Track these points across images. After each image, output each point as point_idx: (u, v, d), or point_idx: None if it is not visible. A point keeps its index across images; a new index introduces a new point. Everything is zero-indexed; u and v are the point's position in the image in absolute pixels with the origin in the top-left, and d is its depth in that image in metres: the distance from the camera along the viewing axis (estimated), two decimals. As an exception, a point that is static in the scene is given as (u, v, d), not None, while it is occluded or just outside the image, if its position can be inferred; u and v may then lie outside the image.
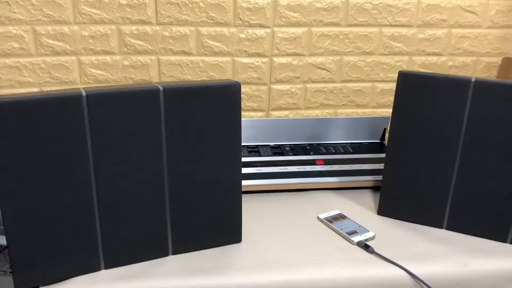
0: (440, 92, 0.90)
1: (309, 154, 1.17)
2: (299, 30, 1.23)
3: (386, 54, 1.29)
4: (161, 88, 0.76)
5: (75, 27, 1.15)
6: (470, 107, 0.89)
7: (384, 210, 1.00)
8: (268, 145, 1.22)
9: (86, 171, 0.75)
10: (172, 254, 0.85)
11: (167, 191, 0.81)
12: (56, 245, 0.76)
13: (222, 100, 0.80)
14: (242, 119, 1.19)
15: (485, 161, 0.90)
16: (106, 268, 0.81)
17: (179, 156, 0.80)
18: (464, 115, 0.90)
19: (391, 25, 1.26)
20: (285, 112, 1.30)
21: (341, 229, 0.94)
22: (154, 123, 0.77)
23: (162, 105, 0.77)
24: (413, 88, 0.92)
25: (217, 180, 0.84)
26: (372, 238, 0.92)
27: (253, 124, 1.20)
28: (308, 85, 1.29)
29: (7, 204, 0.71)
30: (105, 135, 0.75)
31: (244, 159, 1.14)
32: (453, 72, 1.32)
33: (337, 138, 1.25)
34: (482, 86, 0.88)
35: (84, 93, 0.72)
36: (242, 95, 1.27)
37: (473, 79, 0.88)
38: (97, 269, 0.80)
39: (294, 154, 1.17)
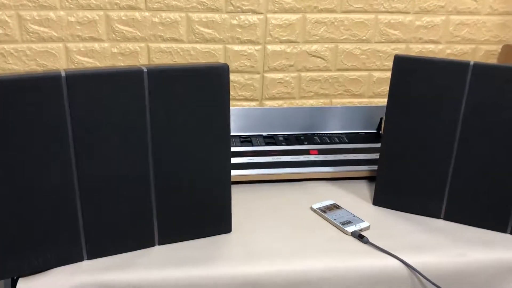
0: (437, 77, 0.87)
1: (303, 144, 1.14)
2: (293, 17, 1.20)
3: (382, 42, 1.25)
4: (145, 69, 0.73)
5: (62, 13, 1.11)
6: (469, 92, 0.86)
7: (379, 200, 0.97)
8: (261, 135, 1.19)
9: (66, 155, 0.71)
10: (159, 245, 0.82)
11: (152, 177, 0.78)
12: (34, 233, 0.72)
13: (210, 82, 0.77)
14: (234, 108, 1.16)
15: (484, 148, 0.87)
16: (88, 258, 0.78)
17: (164, 140, 0.77)
18: (462, 100, 0.87)
19: (387, 12, 1.23)
20: (279, 102, 1.27)
21: (335, 219, 0.90)
22: (138, 106, 0.74)
23: (146, 87, 0.73)
24: (409, 73, 0.89)
25: (205, 166, 0.80)
26: (367, 228, 0.88)
27: (245, 113, 1.16)
28: (303, 74, 1.25)
29: (-18, 190, 0.68)
30: (86, 117, 0.71)
31: (235, 149, 1.10)
32: (451, 61, 1.29)
33: (332, 128, 1.22)
34: (481, 69, 0.84)
35: (63, 74, 0.68)
36: (234, 84, 1.23)
37: (471, 63, 0.85)
38: (79, 259, 0.77)
39: (288, 144, 1.14)
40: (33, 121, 0.68)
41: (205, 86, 0.77)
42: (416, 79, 0.88)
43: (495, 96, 0.84)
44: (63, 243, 0.75)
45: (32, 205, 0.71)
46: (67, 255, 0.76)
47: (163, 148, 0.77)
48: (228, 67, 0.77)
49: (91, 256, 0.78)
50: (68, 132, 0.71)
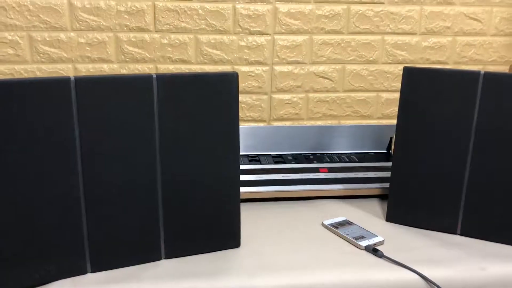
0: (447, 87, 0.86)
1: (313, 163, 1.12)
2: (300, 38, 1.21)
3: (389, 63, 1.26)
4: (154, 76, 0.73)
5: (72, 34, 1.13)
6: (480, 101, 0.85)
7: (393, 216, 0.94)
8: (270, 154, 1.17)
9: (72, 163, 0.70)
10: (165, 258, 0.79)
11: (159, 187, 0.76)
12: (37, 245, 0.70)
13: (219, 90, 0.76)
14: (242, 126, 1.15)
15: (499, 159, 0.85)
16: (92, 271, 0.75)
17: (172, 148, 0.75)
18: (474, 110, 0.85)
19: (394, 33, 1.24)
20: (287, 123, 1.26)
21: (347, 234, 0.87)
22: (146, 113, 0.73)
23: (155, 94, 0.73)
24: (419, 84, 0.88)
25: (213, 177, 0.79)
26: (381, 243, 0.85)
27: (253, 132, 1.15)
28: (310, 95, 1.25)
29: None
30: (94, 124, 0.70)
31: (244, 167, 1.08)
32: (459, 82, 1.29)
33: (341, 148, 1.20)
34: (491, 79, 0.83)
35: (72, 78, 0.68)
36: (242, 105, 1.23)
37: (482, 72, 0.84)
38: (83, 272, 0.74)
39: (297, 163, 1.12)
40: (40, 126, 0.67)
41: (214, 94, 0.76)
42: (426, 90, 0.87)
43: (507, 105, 0.83)
44: (66, 255, 0.72)
45: (35, 215, 0.69)
46: (70, 268, 0.73)
47: (171, 156, 0.76)
48: (237, 74, 0.77)
49: (95, 269, 0.75)
50: (76, 138, 0.69)
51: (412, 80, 0.88)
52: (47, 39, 1.12)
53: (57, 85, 0.67)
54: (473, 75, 0.85)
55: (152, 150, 0.74)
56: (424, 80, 0.87)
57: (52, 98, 0.67)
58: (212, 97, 0.76)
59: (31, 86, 0.66)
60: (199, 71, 1.20)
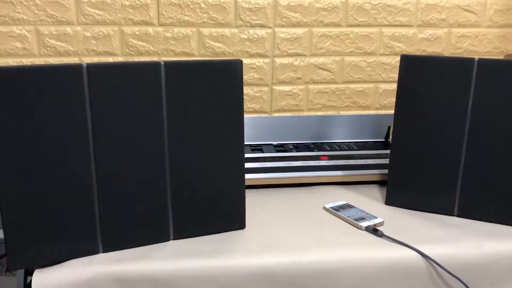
0: (444, 74, 0.89)
1: (313, 151, 1.15)
2: (300, 30, 1.24)
3: (387, 54, 1.29)
4: (162, 63, 0.76)
5: (78, 28, 1.16)
6: (475, 87, 0.88)
7: (392, 199, 0.97)
8: (271, 143, 1.20)
9: (85, 148, 0.73)
10: (174, 239, 0.82)
11: (168, 171, 0.79)
12: (52, 226, 0.73)
13: (224, 77, 0.79)
14: (244, 116, 1.18)
15: (494, 143, 0.88)
16: (104, 251, 0.78)
17: (180, 134, 0.78)
18: (469, 96, 0.89)
19: (391, 25, 1.27)
20: (288, 114, 1.29)
21: (348, 216, 0.90)
22: (155, 99, 0.76)
23: (163, 80, 0.76)
24: (416, 71, 0.91)
25: (219, 161, 0.82)
26: (381, 224, 0.88)
27: (255, 122, 1.18)
28: (310, 86, 1.28)
29: (0, 182, 0.69)
30: (105, 110, 0.73)
31: (247, 155, 1.11)
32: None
33: (341, 137, 1.23)
34: (486, 65, 0.87)
35: (85, 65, 0.71)
36: (244, 97, 1.26)
37: (476, 59, 0.87)
38: (95, 252, 0.77)
39: (298, 151, 1.15)
40: (54, 111, 0.70)
41: (220, 80, 0.79)
42: (423, 77, 0.91)
43: (501, 90, 0.86)
44: (78, 235, 0.75)
45: (50, 198, 0.72)
46: (83, 247, 0.76)
47: (179, 141, 0.79)
48: (241, 62, 0.80)
49: (106, 249, 0.78)
50: (88, 123, 0.72)
51: (409, 67, 0.91)
52: (54, 33, 1.15)
53: (70, 71, 0.70)
54: (468, 61, 0.88)
55: (160, 135, 0.77)
56: (420, 67, 0.91)
57: (66, 83, 0.70)
58: (218, 84, 0.79)
59: (46, 72, 0.69)
60: (202, 63, 1.23)
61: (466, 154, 0.90)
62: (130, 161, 0.76)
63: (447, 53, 1.31)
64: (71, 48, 1.17)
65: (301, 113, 1.30)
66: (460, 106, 0.89)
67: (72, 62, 1.18)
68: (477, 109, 0.88)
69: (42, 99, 0.69)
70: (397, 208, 0.96)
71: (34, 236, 0.72)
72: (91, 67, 0.71)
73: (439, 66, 0.89)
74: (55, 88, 0.69)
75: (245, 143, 1.20)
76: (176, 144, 0.79)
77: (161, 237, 0.81)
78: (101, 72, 0.72)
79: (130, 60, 1.20)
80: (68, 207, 0.74)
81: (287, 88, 1.28)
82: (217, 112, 0.80)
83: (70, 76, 0.70)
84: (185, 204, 0.81)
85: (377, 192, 1.05)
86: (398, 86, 0.93)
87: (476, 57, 0.87)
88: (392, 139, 0.95)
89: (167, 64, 0.76)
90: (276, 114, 1.29)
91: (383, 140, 1.25)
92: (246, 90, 1.26)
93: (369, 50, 1.28)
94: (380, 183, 1.10)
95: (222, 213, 0.84)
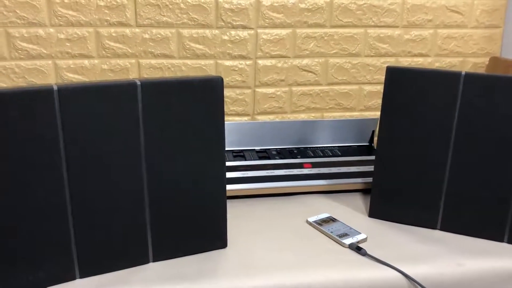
0: (429, 88, 0.88)
1: (297, 158, 1.13)
2: (283, 32, 1.21)
3: (372, 56, 1.26)
4: (138, 83, 0.72)
5: (51, 30, 1.11)
6: (461, 101, 0.87)
7: (375, 212, 0.96)
8: (254, 149, 1.18)
9: (58, 171, 0.70)
10: (153, 261, 0.80)
11: (146, 192, 0.76)
12: (25, 252, 0.70)
13: (204, 95, 0.76)
14: (226, 122, 1.16)
15: (479, 157, 0.87)
16: (81, 277, 0.75)
17: (158, 155, 0.75)
18: (455, 110, 0.87)
19: (376, 26, 1.24)
20: (271, 117, 1.27)
21: (331, 232, 0.89)
22: (131, 120, 0.73)
23: (139, 101, 0.72)
24: (401, 84, 0.89)
25: (199, 181, 0.79)
26: (364, 240, 0.87)
27: (237, 128, 1.16)
28: (294, 88, 1.26)
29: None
30: (78, 132, 0.70)
31: (229, 163, 1.09)
32: (440, 73, 1.30)
33: (324, 142, 1.21)
34: (472, 79, 0.85)
35: (55, 87, 0.67)
36: (226, 99, 1.23)
37: (463, 73, 0.86)
38: (72, 278, 0.74)
39: (281, 158, 1.13)
40: (24, 136, 0.66)
41: (199, 99, 0.76)
42: (409, 90, 0.89)
43: (487, 104, 0.85)
44: (54, 261, 0.73)
45: (22, 222, 0.69)
46: (59, 274, 0.73)
47: (157, 162, 0.76)
48: (222, 79, 0.77)
49: (83, 275, 0.75)
50: (60, 147, 0.69)
51: (395, 80, 0.89)
52: (25, 35, 1.10)
53: (40, 94, 0.66)
54: (455, 75, 0.86)
55: (137, 156, 0.74)
56: (406, 79, 0.89)
57: (36, 107, 0.66)
58: (197, 102, 0.76)
59: (14, 97, 0.65)
60: (182, 66, 1.19)
61: (451, 168, 0.89)
62: (106, 183, 0.73)
63: (432, 54, 1.29)
64: (44, 51, 1.12)
65: (285, 116, 1.27)
66: (445, 119, 0.88)
67: (46, 64, 1.12)
68: (462, 123, 0.87)
69: (11, 122, 0.65)
70: (380, 220, 0.96)
71: (7, 264, 0.69)
72: (62, 90, 0.67)
73: (425, 79, 0.87)
74: (24, 113, 0.66)
75: (228, 149, 1.17)
76: (153, 165, 0.76)
77: (140, 260, 0.79)
78: (72, 95, 0.68)
79: (105, 68, 1.15)
80: (42, 232, 0.71)
81: (270, 90, 1.25)
82: (197, 131, 0.77)
83: (40, 101, 0.66)
84: (164, 226, 0.79)
85: (360, 202, 1.04)
86: (383, 98, 0.91)
87: (463, 72, 0.86)
88: (376, 153, 0.94)
89: (143, 83, 0.72)
90: (259, 117, 1.26)
91: (367, 144, 1.23)
92: (228, 92, 1.23)
93: (353, 52, 1.25)
94: (363, 191, 1.09)
95: (203, 233, 0.82)
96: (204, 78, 0.76)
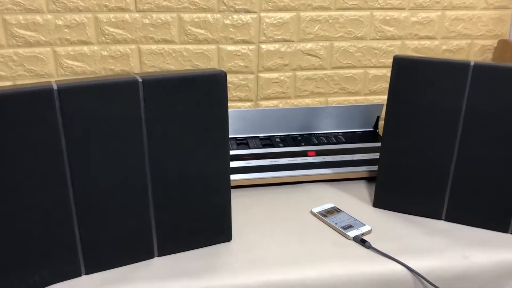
0: (437, 78, 0.86)
1: (300, 145, 1.12)
2: (287, 15, 1.17)
3: (378, 39, 1.23)
4: (139, 80, 0.70)
5: (49, 16, 1.08)
6: (469, 92, 0.85)
7: (380, 202, 0.96)
8: (258, 136, 1.17)
9: (61, 170, 0.69)
10: (158, 256, 0.80)
11: (150, 188, 0.76)
12: (30, 250, 0.70)
13: (207, 90, 0.75)
14: (230, 110, 1.14)
15: (485, 148, 0.86)
16: (87, 273, 0.76)
17: (161, 151, 0.74)
18: (462, 100, 0.85)
19: (382, 8, 1.21)
20: (274, 102, 1.25)
21: (336, 224, 0.89)
22: (133, 117, 0.71)
23: (141, 98, 0.71)
24: (408, 74, 0.87)
25: (203, 176, 0.78)
26: (369, 232, 0.87)
27: (241, 115, 1.14)
28: (298, 73, 1.23)
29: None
30: (80, 131, 0.69)
31: (232, 152, 1.08)
32: (447, 56, 1.28)
33: (328, 128, 1.20)
34: (481, 70, 0.83)
35: (55, 87, 0.66)
36: (228, 85, 1.21)
37: (472, 63, 0.83)
38: (77, 275, 0.75)
39: (285, 146, 1.12)
40: (25, 137, 0.65)
41: (202, 95, 0.74)
42: (416, 80, 0.87)
43: (495, 96, 0.83)
44: (60, 259, 0.73)
45: (27, 221, 0.69)
46: (65, 271, 0.74)
47: (161, 159, 0.75)
48: (225, 74, 0.75)
49: (89, 271, 0.76)
50: (62, 146, 0.68)
51: (401, 70, 0.87)
52: (22, 22, 1.07)
53: (40, 95, 0.65)
54: (463, 65, 0.84)
55: (141, 153, 0.73)
56: (413, 70, 0.86)
57: (36, 108, 0.65)
58: (200, 98, 0.74)
59: (13, 98, 0.63)
60: (183, 51, 1.16)
61: (457, 159, 0.88)
62: (109, 180, 0.73)
63: (439, 36, 1.25)
64: (43, 38, 1.09)
65: (288, 101, 1.25)
66: (453, 110, 0.86)
67: (45, 52, 1.10)
68: (470, 114, 0.86)
69: (11, 123, 0.64)
70: (385, 211, 0.95)
71: (13, 262, 0.70)
72: (62, 90, 0.66)
73: (433, 69, 0.85)
74: (25, 114, 0.64)
75: (231, 136, 1.16)
76: (157, 161, 0.75)
77: (145, 255, 0.79)
78: (73, 94, 0.67)
79: (105, 55, 1.12)
80: (47, 230, 0.71)
81: (273, 75, 1.22)
82: (200, 127, 0.76)
83: (39, 101, 0.65)
84: (169, 221, 0.79)
85: (365, 190, 1.04)
86: (390, 88, 0.89)
87: (472, 61, 0.83)
88: (381, 142, 0.92)
89: (145, 80, 0.71)
90: (262, 102, 1.24)
91: (372, 129, 1.22)
92: (231, 78, 1.21)
93: (359, 35, 1.22)
94: (368, 179, 1.08)
95: (208, 228, 0.82)
96: (207, 73, 0.74)
